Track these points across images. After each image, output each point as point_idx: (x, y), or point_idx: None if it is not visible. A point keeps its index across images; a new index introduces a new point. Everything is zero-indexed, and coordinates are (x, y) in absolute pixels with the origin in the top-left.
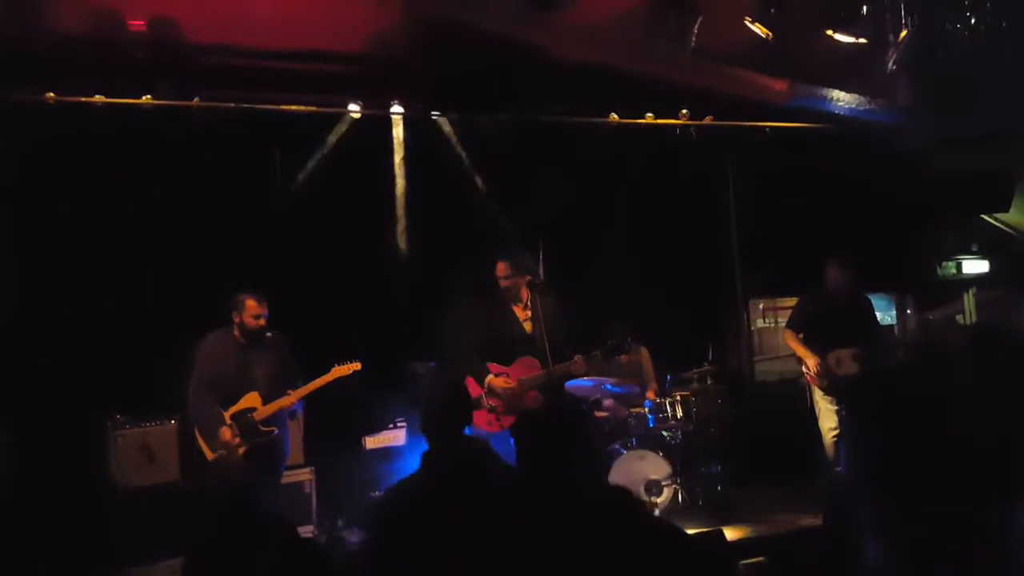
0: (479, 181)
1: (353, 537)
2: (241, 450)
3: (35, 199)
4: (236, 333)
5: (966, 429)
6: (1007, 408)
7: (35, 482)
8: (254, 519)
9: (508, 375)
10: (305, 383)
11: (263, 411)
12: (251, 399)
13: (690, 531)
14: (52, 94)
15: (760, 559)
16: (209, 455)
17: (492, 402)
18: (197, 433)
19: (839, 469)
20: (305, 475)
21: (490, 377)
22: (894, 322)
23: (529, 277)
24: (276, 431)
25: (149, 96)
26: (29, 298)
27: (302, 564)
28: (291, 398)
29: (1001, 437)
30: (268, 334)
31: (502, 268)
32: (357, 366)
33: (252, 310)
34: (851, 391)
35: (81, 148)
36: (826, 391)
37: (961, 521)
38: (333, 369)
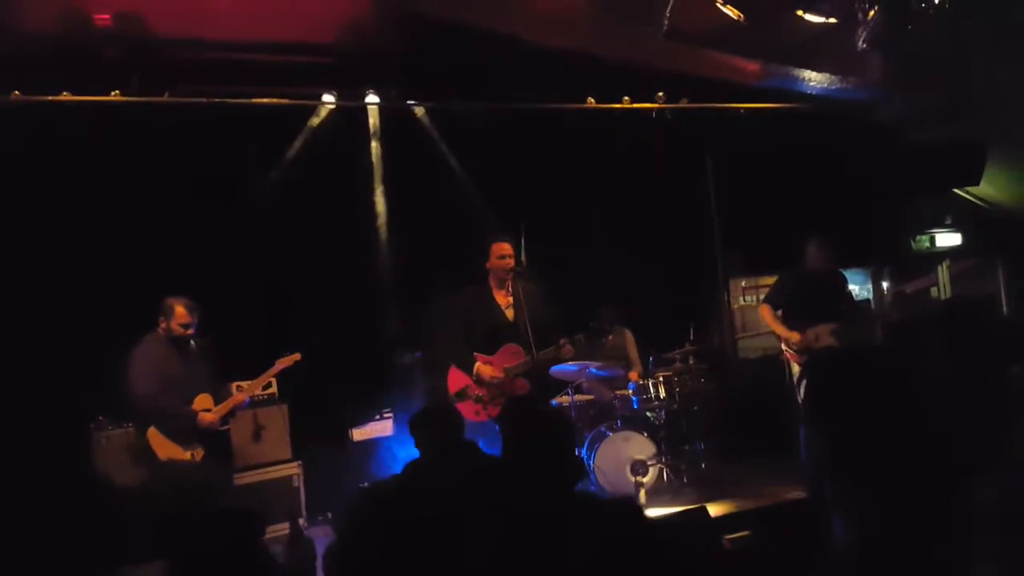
0: (457, 169)
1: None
2: (200, 452)
3: (5, 201)
4: (164, 338)
5: (930, 404)
6: (974, 380)
7: (21, 485)
8: (217, 520)
9: (492, 364)
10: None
11: (218, 410)
12: (204, 400)
13: (675, 509)
14: (18, 93)
15: (745, 533)
16: (162, 456)
17: (479, 392)
18: (156, 443)
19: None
20: (293, 469)
21: (478, 366)
22: (870, 296)
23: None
24: (229, 428)
25: (118, 92)
26: (7, 301)
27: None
28: (242, 394)
29: (966, 412)
30: (192, 343)
31: (505, 248)
32: (297, 356)
33: (181, 318)
34: (815, 367)
35: (50, 147)
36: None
37: (925, 496)
38: (276, 362)
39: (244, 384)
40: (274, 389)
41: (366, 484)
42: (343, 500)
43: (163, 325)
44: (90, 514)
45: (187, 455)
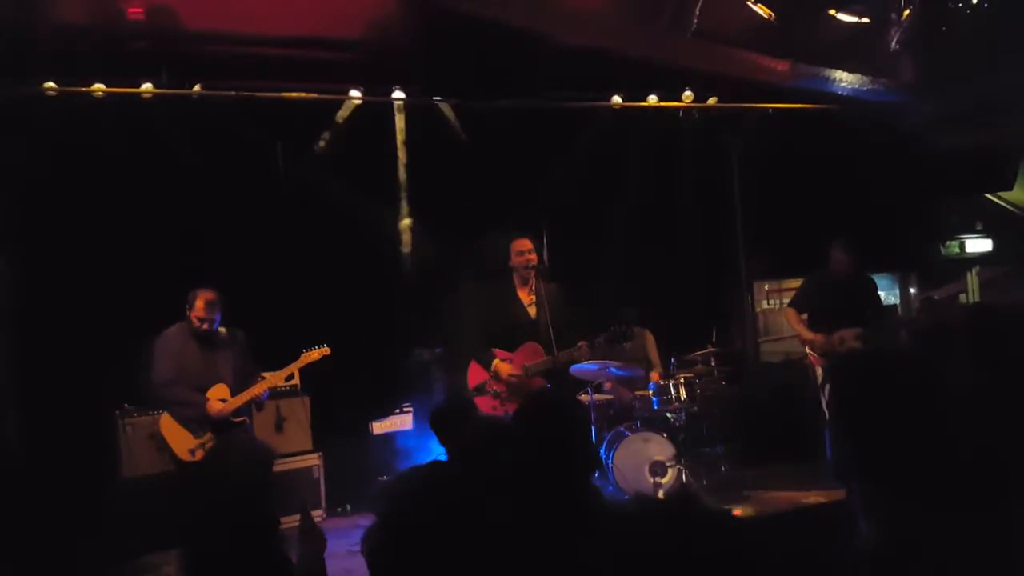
0: (482, 167)
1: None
2: (211, 443)
3: (40, 190)
4: (188, 328)
5: (959, 410)
6: (1003, 387)
7: (46, 471)
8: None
9: (512, 361)
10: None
11: (233, 402)
12: (220, 391)
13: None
14: (52, 84)
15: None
16: (184, 456)
17: (496, 388)
18: (167, 430)
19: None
20: (313, 460)
21: (496, 362)
22: (897, 302)
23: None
24: (247, 421)
25: (149, 85)
26: (37, 289)
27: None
28: (263, 385)
29: (997, 419)
30: (223, 330)
31: (525, 244)
32: (326, 351)
33: (198, 311)
34: (840, 370)
35: (81, 138)
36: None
37: (954, 503)
38: (303, 355)
39: (267, 375)
40: (296, 381)
41: (385, 477)
42: (364, 491)
43: (189, 315)
44: (110, 502)
45: (196, 442)
